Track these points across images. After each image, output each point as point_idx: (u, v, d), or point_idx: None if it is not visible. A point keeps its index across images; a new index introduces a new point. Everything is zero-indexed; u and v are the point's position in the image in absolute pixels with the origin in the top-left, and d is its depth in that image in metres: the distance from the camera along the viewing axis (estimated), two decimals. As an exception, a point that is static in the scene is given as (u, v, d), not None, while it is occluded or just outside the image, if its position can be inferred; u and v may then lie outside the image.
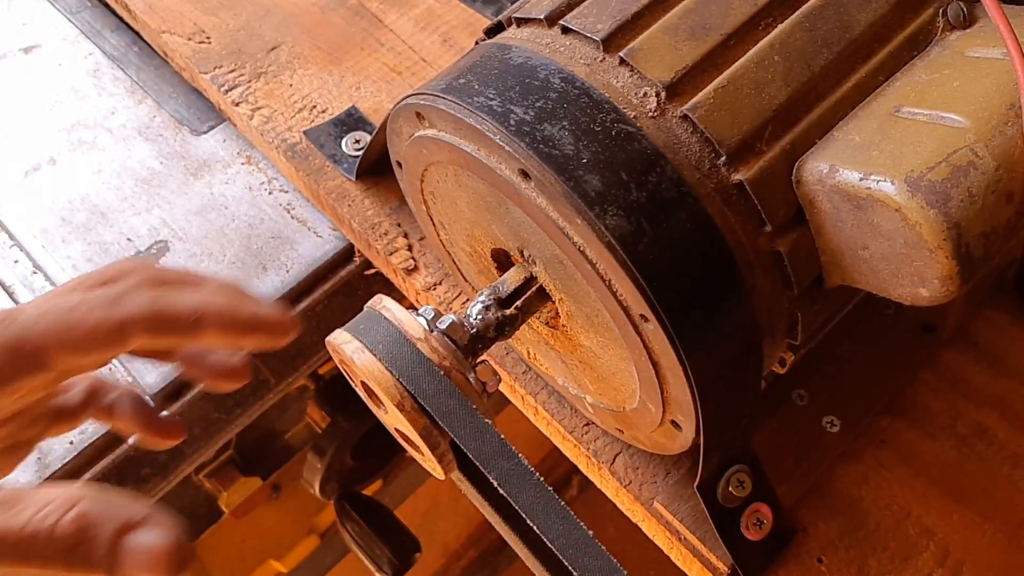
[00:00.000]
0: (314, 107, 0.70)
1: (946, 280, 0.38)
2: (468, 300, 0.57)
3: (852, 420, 0.55)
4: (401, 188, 0.55)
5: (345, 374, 0.45)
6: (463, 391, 0.40)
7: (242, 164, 0.72)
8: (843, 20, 0.42)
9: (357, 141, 0.67)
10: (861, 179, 0.38)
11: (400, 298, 0.62)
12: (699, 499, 0.47)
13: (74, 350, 0.37)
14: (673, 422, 0.45)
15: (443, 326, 0.42)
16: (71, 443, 0.62)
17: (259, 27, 0.75)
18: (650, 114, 0.40)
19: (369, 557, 0.92)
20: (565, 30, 0.43)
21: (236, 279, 0.63)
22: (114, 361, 0.62)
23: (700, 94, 0.40)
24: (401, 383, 0.40)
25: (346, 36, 0.74)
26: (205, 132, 0.74)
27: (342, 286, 0.69)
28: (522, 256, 0.46)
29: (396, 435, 0.46)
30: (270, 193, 0.70)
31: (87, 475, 0.62)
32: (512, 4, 0.48)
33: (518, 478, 0.39)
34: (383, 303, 0.42)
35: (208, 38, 0.74)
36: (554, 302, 0.47)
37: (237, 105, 0.70)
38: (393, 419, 0.42)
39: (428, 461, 0.43)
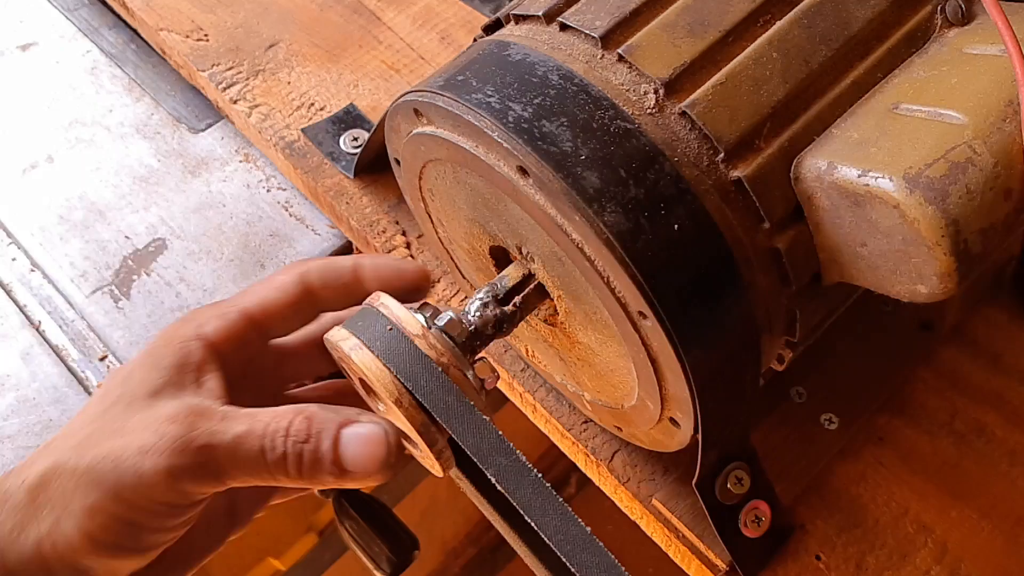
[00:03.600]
0: (312, 104, 0.70)
1: (944, 277, 0.38)
2: (466, 297, 0.57)
3: (850, 417, 0.55)
4: (399, 185, 0.55)
5: (343, 371, 0.45)
6: (461, 388, 0.40)
7: (240, 162, 0.72)
8: (841, 17, 0.42)
9: (355, 139, 0.67)
10: (859, 176, 0.38)
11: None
12: (697, 496, 0.47)
13: None
14: (671, 419, 0.45)
15: (441, 323, 0.42)
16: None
17: (257, 24, 0.75)
18: (648, 111, 0.40)
19: (367, 555, 0.92)
20: (563, 27, 0.43)
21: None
22: (111, 358, 0.62)
23: (698, 91, 0.40)
24: (399, 380, 0.39)
25: (344, 33, 0.74)
26: (203, 130, 0.74)
27: (340, 284, 0.69)
28: (520, 253, 0.46)
29: (394, 432, 0.46)
30: (268, 191, 0.70)
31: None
32: (510, 1, 0.48)
33: (516, 475, 0.39)
34: (381, 300, 0.42)
35: (206, 35, 0.74)
36: (552, 299, 0.47)
37: (235, 103, 0.69)
38: (391, 416, 0.42)
39: (426, 458, 0.42)
